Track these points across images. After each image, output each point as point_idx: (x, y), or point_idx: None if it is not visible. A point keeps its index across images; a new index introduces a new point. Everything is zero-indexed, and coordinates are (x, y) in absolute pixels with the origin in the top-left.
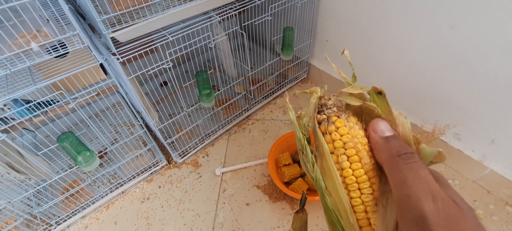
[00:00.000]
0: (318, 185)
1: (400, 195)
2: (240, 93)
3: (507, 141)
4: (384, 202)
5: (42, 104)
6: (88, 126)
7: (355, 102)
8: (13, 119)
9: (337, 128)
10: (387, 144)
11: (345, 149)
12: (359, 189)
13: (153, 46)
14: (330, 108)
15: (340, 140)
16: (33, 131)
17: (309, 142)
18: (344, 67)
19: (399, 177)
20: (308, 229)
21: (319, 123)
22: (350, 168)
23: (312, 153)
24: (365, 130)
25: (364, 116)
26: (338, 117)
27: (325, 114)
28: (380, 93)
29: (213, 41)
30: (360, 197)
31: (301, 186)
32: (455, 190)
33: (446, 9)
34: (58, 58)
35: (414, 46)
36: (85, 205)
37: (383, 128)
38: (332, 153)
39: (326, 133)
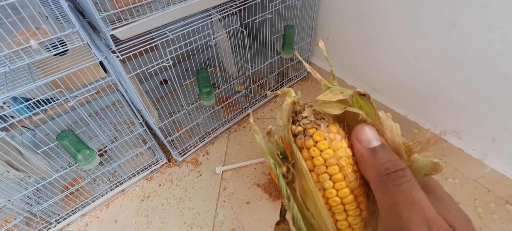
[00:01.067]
0: (297, 225)
1: (391, 224)
2: (240, 91)
3: (507, 140)
4: (373, 223)
5: (42, 102)
6: (88, 124)
7: (336, 111)
8: (12, 117)
9: (316, 142)
10: (374, 158)
11: (327, 167)
12: (345, 210)
13: (153, 44)
14: (306, 117)
15: (320, 156)
16: (33, 129)
17: (286, 159)
18: (344, 64)
19: (389, 202)
20: None
21: (295, 135)
22: (333, 188)
23: (288, 172)
24: (348, 138)
25: (347, 120)
26: (316, 128)
27: (301, 125)
28: (363, 95)
29: (213, 39)
30: (346, 219)
31: None
32: (452, 201)
33: (447, 7)
34: (57, 56)
35: (415, 45)
36: (85, 203)
37: (369, 136)
38: (311, 170)
39: (303, 148)
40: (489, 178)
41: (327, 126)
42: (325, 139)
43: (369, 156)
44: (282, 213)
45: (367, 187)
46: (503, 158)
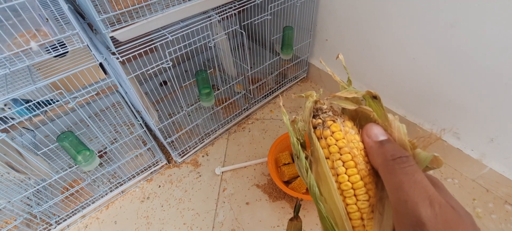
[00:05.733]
0: (312, 191)
1: (397, 200)
2: (240, 92)
3: (506, 140)
4: (380, 208)
5: (42, 104)
6: (88, 125)
7: (350, 106)
8: (12, 118)
9: (333, 133)
10: (381, 148)
11: (341, 154)
12: (355, 195)
13: (152, 46)
14: (325, 112)
15: (336, 144)
16: (33, 130)
17: (303, 147)
18: (341, 67)
19: (395, 181)
20: (309, 227)
21: (314, 127)
22: (345, 173)
23: (306, 158)
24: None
25: (359, 120)
26: (334, 121)
27: (320, 118)
28: (375, 97)
29: (213, 40)
30: (356, 204)
31: (301, 185)
32: (452, 196)
33: (446, 7)
34: (57, 57)
35: (413, 45)
36: (85, 204)
37: (376, 132)
38: (327, 158)
39: (321, 138)
40: (488, 178)
41: (343, 121)
42: (340, 130)
43: (377, 147)
44: (296, 209)
45: (376, 176)
46: (502, 158)
